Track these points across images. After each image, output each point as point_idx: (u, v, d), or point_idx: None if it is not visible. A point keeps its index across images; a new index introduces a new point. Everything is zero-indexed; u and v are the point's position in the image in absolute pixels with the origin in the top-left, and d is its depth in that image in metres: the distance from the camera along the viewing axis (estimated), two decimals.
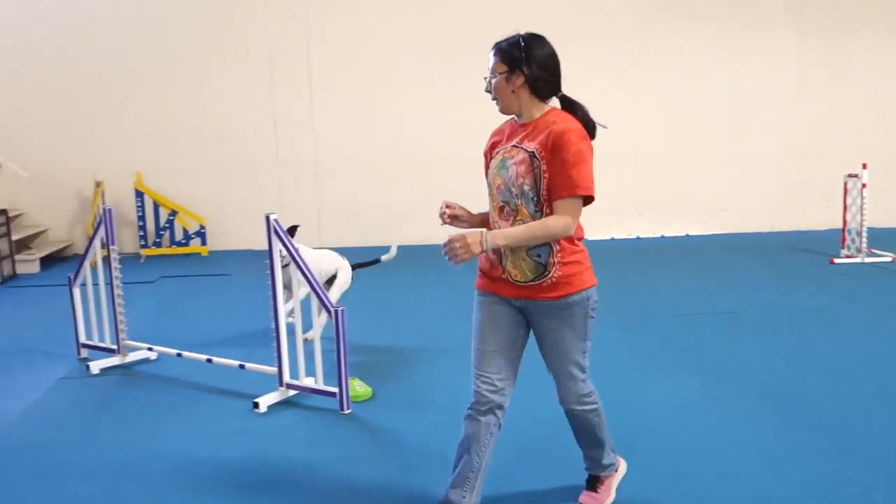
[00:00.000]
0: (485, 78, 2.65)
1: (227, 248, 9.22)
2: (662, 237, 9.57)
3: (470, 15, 8.98)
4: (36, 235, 8.94)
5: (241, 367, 4.39)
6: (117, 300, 4.81)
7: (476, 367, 2.69)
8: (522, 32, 2.60)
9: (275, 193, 9.21)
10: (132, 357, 4.89)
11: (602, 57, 9.12)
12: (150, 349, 4.87)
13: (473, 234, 2.46)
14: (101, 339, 4.97)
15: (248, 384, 4.38)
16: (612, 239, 9.37)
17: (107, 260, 4.83)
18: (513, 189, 2.56)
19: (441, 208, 2.73)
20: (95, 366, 4.78)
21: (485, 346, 2.68)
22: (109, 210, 4.79)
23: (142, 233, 8.90)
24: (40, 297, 7.02)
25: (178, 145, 9.10)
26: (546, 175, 2.51)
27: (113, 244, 4.78)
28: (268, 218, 4.02)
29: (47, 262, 8.49)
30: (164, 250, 8.92)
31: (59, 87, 8.93)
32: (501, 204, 2.62)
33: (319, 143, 9.20)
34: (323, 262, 5.21)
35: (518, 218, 2.58)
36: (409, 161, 9.25)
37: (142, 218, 8.87)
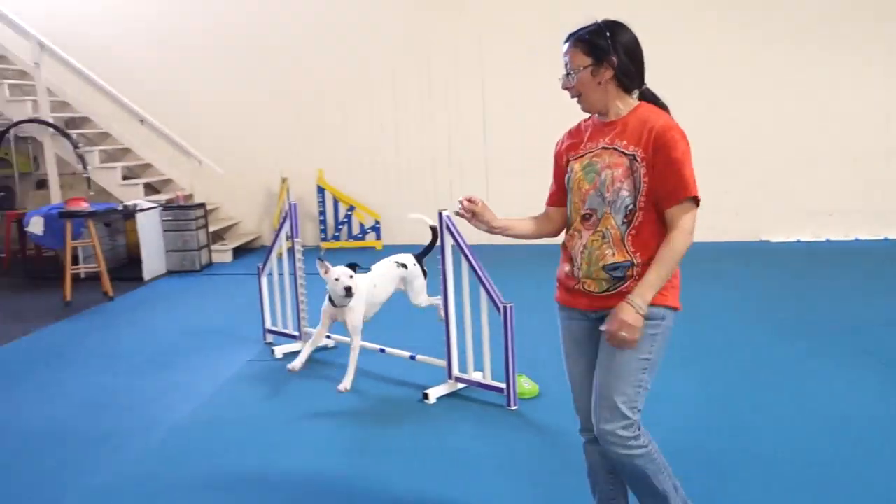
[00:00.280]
0: (561, 76, 2.35)
1: (400, 242, 9.52)
2: (856, 240, 8.87)
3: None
4: (229, 228, 9.66)
5: (412, 358, 4.53)
6: (300, 290, 5.10)
7: (572, 392, 2.53)
8: (599, 20, 2.30)
9: (445, 191, 9.40)
10: None
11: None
12: (327, 337, 5.13)
13: (623, 310, 2.20)
14: (285, 326, 5.30)
15: (418, 375, 4.51)
16: (798, 241, 8.79)
17: (291, 251, 5.13)
18: (606, 195, 2.28)
19: (462, 201, 2.43)
20: (279, 350, 5.10)
21: (572, 369, 2.50)
22: (294, 205, 5.09)
23: (322, 226, 9.39)
24: (231, 284, 7.58)
25: (357, 144, 9.50)
26: (646, 180, 2.23)
27: (297, 237, 5.07)
28: (440, 214, 4.11)
29: (238, 252, 9.15)
30: (342, 243, 9.37)
31: (252, 94, 9.58)
32: (588, 212, 2.34)
33: (490, 142, 9.29)
34: (391, 275, 4.72)
35: (599, 228, 2.30)
36: None
37: (322, 213, 9.36)
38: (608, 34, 2.25)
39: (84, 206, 7.35)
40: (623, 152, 2.26)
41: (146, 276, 7.87)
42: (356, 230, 9.36)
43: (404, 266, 4.76)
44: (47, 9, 9.53)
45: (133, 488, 3.31)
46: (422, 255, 4.95)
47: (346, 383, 4.18)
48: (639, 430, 2.30)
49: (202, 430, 3.91)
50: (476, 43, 9.13)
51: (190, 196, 9.11)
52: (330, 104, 9.50)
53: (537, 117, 9.17)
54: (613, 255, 2.29)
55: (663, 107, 2.35)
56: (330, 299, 4.31)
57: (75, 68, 8.88)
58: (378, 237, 9.30)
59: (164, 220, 8.27)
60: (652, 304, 2.24)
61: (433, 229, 4.75)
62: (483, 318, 4.07)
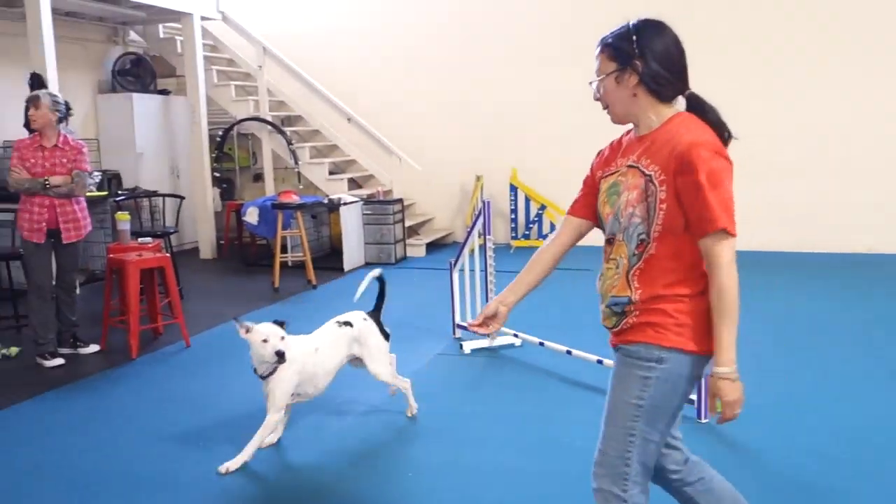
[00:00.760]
0: (590, 83, 2.13)
1: (591, 243, 9.35)
2: None
3: None
4: (423, 223, 9.99)
5: (599, 362, 4.46)
6: (490, 286, 5.18)
7: None
8: (633, 20, 2.04)
9: None
10: (500, 341, 5.23)
11: None
12: (515, 335, 5.17)
13: (720, 388, 1.98)
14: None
15: (603, 380, 4.42)
16: None
17: (482, 248, 5.22)
18: (621, 220, 2.06)
19: (476, 330, 2.36)
20: (468, 346, 5.21)
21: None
22: (488, 202, 5.17)
23: (513, 224, 9.47)
24: (424, 278, 7.83)
25: (548, 143, 9.49)
26: (663, 206, 1.96)
27: (489, 234, 5.15)
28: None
29: (431, 247, 9.44)
30: (531, 242, 9.39)
31: (450, 95, 9.85)
32: (609, 237, 2.14)
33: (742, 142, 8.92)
34: (336, 337, 3.83)
35: (613, 256, 2.11)
36: (832, 161, 8.57)
37: (514, 211, 9.44)
38: (635, 36, 2.00)
39: (294, 198, 7.90)
40: (643, 171, 2.01)
41: (346, 266, 8.32)
42: (546, 229, 9.35)
43: (349, 324, 3.85)
44: (270, 16, 10.34)
45: (336, 469, 3.51)
46: (375, 311, 4.02)
47: (231, 464, 3.42)
48: (628, 489, 2.06)
49: (390, 417, 4.07)
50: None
51: (389, 191, 9.51)
52: (524, 103, 9.56)
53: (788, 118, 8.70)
54: (616, 287, 2.10)
55: (713, 113, 2.04)
56: (255, 372, 3.54)
57: (293, 70, 9.55)
58: None
59: (364, 214, 8.70)
60: (644, 342, 2.03)
61: (380, 279, 4.03)
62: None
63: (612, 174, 2.13)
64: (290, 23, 10.37)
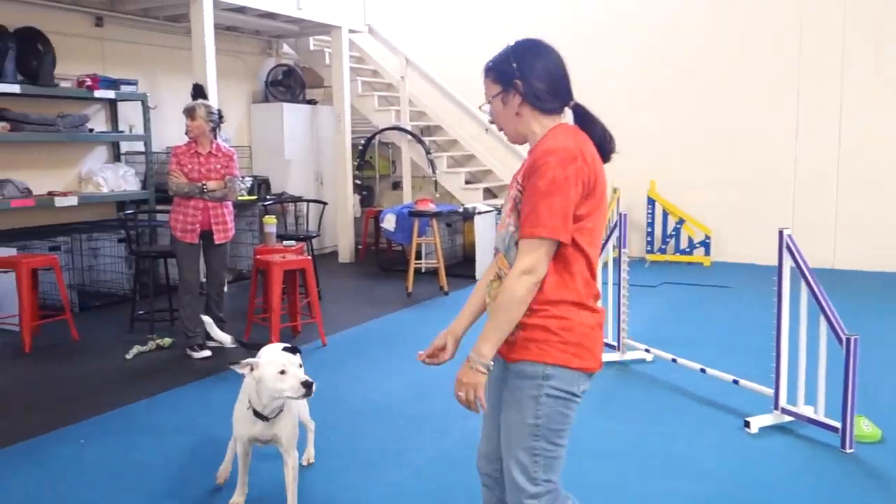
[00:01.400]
0: (480, 107, 2.20)
1: (730, 260, 9.06)
2: None
3: None
4: None
5: (735, 382, 4.29)
6: (622, 300, 5.09)
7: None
8: (513, 42, 2.13)
9: (787, 207, 8.73)
10: (630, 355, 5.13)
11: None
12: (646, 350, 5.06)
13: (462, 372, 2.00)
14: (605, 335, 5.31)
15: (739, 401, 4.27)
16: None
17: (616, 261, 5.14)
18: (501, 231, 2.09)
19: (424, 360, 2.25)
20: None
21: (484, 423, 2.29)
22: (624, 215, 5.09)
23: (649, 238, 9.25)
24: None
25: (689, 156, 9.22)
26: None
27: (625, 247, 5.07)
28: (781, 233, 3.84)
29: None
30: (667, 257, 9.14)
31: (586, 106, 9.74)
32: (495, 250, 2.15)
33: (844, 156, 8.43)
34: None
35: (497, 270, 2.10)
36: None
37: (650, 224, 9.22)
38: (513, 58, 2.08)
39: (430, 206, 8.06)
40: (518, 182, 2.05)
41: (478, 275, 8.40)
42: (684, 244, 9.07)
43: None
44: (414, 29, 10.63)
45: (455, 470, 3.56)
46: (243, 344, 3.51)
47: None
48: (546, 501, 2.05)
49: None
50: (838, 46, 8.36)
51: None
52: (661, 115, 9.33)
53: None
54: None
55: (597, 129, 2.12)
56: (256, 413, 2.85)
57: (434, 81, 9.76)
58: (707, 253, 8.92)
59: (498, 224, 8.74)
60: (528, 360, 2.01)
61: (240, 343, 3.44)
62: (821, 349, 3.72)
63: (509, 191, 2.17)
64: (432, 35, 10.62)
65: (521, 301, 1.95)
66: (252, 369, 2.75)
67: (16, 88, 6.48)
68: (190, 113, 5.35)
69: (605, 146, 2.12)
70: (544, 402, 2.02)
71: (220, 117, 5.48)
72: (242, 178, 8.16)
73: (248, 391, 2.88)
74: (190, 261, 5.46)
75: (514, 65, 2.09)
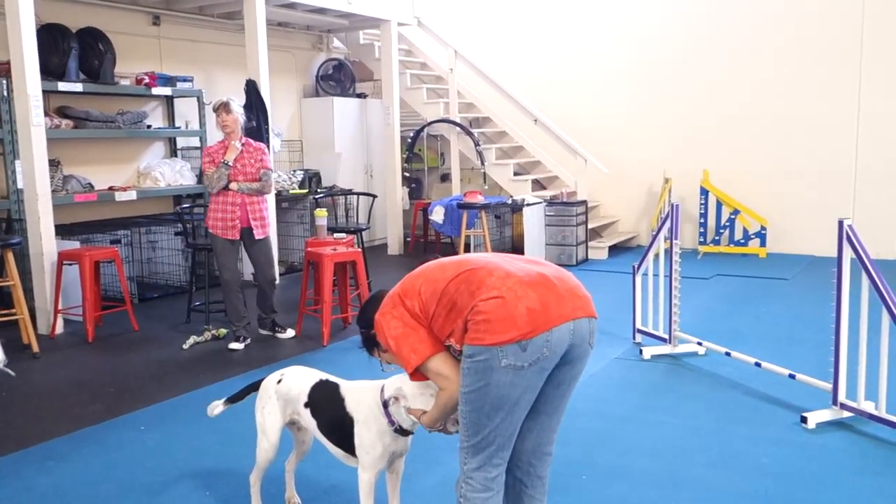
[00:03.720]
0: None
1: (786, 251, 8.88)
2: None
3: None
4: (607, 225, 9.85)
5: (791, 377, 4.22)
6: (674, 292, 5.04)
7: None
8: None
9: (847, 197, 8.51)
10: (681, 348, 5.08)
11: None
12: (699, 343, 5.00)
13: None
14: (655, 327, 5.27)
15: (796, 396, 4.19)
16: None
17: (668, 252, 5.08)
18: None
19: None
20: (647, 351, 5.09)
21: None
22: (677, 206, 5.03)
23: (702, 229, 9.11)
24: (605, 280, 7.73)
25: (744, 145, 9.05)
26: None
27: (676, 238, 5.01)
28: (841, 223, 3.76)
29: (613, 250, 9.29)
30: (721, 248, 8.99)
31: (639, 96, 9.65)
32: None
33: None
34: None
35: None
36: None
37: (703, 215, 9.08)
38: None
39: (479, 198, 8.07)
40: None
41: None
42: (738, 235, 8.92)
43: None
44: (462, 21, 10.63)
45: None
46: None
47: None
48: (471, 475, 2.29)
49: (565, 418, 4.07)
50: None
51: (573, 193, 9.46)
52: (715, 104, 9.17)
53: None
54: None
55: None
56: (399, 429, 2.70)
57: (483, 73, 9.75)
58: (763, 244, 8.75)
59: (547, 216, 8.71)
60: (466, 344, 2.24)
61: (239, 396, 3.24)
62: (883, 342, 3.63)
63: None
64: (481, 28, 10.60)
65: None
66: (397, 399, 2.64)
67: (78, 87, 6.67)
68: (226, 107, 5.40)
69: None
70: (469, 374, 2.27)
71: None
72: (293, 171, 8.29)
73: (375, 416, 2.71)
74: (229, 260, 5.52)
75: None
